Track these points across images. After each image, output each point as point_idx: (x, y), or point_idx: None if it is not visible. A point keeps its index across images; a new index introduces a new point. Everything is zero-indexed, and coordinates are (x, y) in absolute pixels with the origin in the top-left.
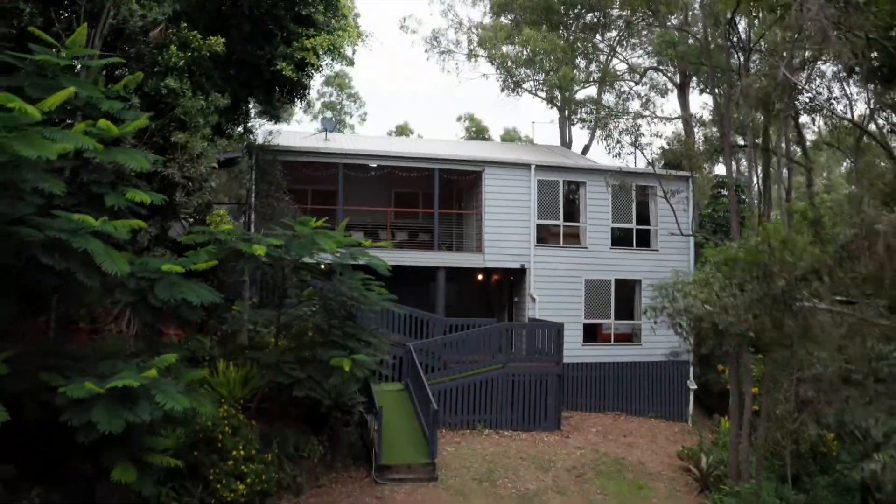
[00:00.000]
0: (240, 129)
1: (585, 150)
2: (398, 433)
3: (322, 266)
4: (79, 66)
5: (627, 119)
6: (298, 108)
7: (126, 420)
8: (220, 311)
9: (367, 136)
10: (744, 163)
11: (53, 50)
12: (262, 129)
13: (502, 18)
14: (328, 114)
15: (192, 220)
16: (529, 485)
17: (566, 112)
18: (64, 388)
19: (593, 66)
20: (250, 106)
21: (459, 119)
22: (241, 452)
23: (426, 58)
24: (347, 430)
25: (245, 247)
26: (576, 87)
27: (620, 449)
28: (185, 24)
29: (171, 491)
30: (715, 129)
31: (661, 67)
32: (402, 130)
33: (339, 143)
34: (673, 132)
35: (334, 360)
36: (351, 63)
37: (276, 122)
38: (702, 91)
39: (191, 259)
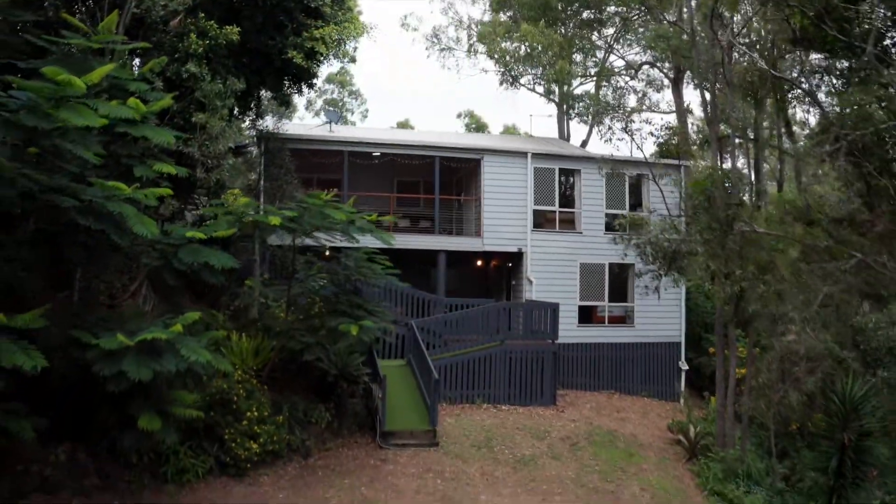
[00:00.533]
0: (251, 114)
1: (584, 144)
2: (401, 403)
3: (327, 252)
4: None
5: (623, 113)
6: (302, 103)
7: (153, 370)
8: (233, 286)
9: (371, 127)
10: (741, 159)
11: (83, 36)
12: (271, 118)
13: (501, 15)
14: (331, 109)
15: (208, 197)
16: (525, 451)
17: (564, 107)
18: (97, 341)
19: (590, 62)
20: (262, 93)
21: (459, 116)
22: (255, 414)
23: (427, 55)
24: (353, 401)
25: (261, 217)
26: (573, 81)
27: (613, 423)
28: (203, 15)
29: (189, 449)
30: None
31: (657, 64)
32: (403, 127)
33: (344, 133)
34: (664, 121)
35: (342, 325)
36: (353, 60)
37: (286, 108)
38: (696, 87)
39: (211, 227)
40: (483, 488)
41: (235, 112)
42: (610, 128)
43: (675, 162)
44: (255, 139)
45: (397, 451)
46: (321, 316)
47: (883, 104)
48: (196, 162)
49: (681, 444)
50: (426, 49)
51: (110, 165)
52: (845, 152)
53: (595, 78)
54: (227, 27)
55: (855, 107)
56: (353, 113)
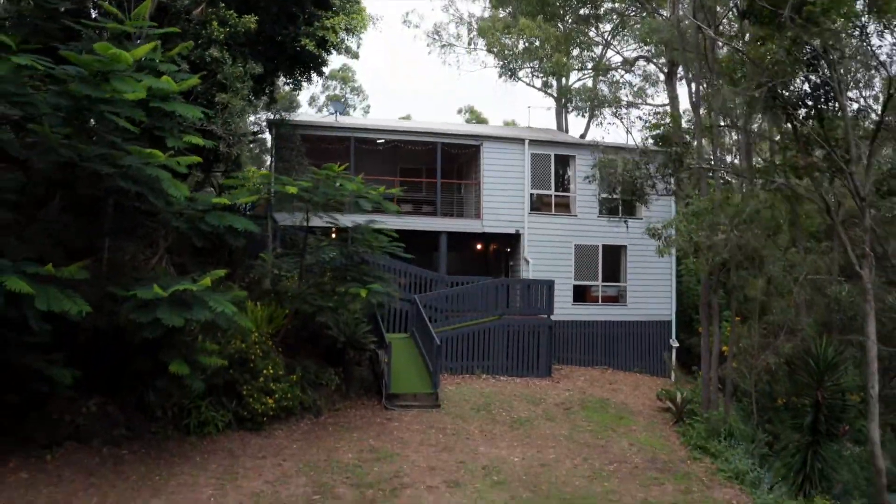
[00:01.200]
0: (266, 99)
1: (582, 137)
2: (405, 370)
3: (334, 235)
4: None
5: (616, 103)
6: (305, 99)
7: (184, 318)
8: (247, 262)
9: (376, 118)
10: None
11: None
12: (282, 103)
13: (500, 11)
14: (336, 101)
15: (226, 172)
16: (522, 413)
17: (562, 101)
18: (134, 292)
19: (586, 55)
20: (276, 79)
21: (460, 111)
22: (270, 372)
23: (428, 52)
24: (360, 369)
25: (279, 186)
26: (572, 76)
27: (606, 392)
28: (223, 5)
29: (209, 405)
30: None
31: (653, 60)
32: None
33: (350, 121)
34: (658, 111)
35: (352, 289)
36: (356, 56)
37: (298, 92)
38: (681, 78)
39: (234, 195)
40: (482, 441)
41: (251, 97)
42: (602, 113)
43: (668, 150)
44: (267, 125)
45: (402, 412)
46: (332, 282)
47: (790, 53)
48: (218, 139)
49: (669, 410)
50: (427, 46)
51: (143, 137)
52: (770, 97)
53: (592, 73)
54: (246, 16)
55: (769, 56)
56: (354, 109)
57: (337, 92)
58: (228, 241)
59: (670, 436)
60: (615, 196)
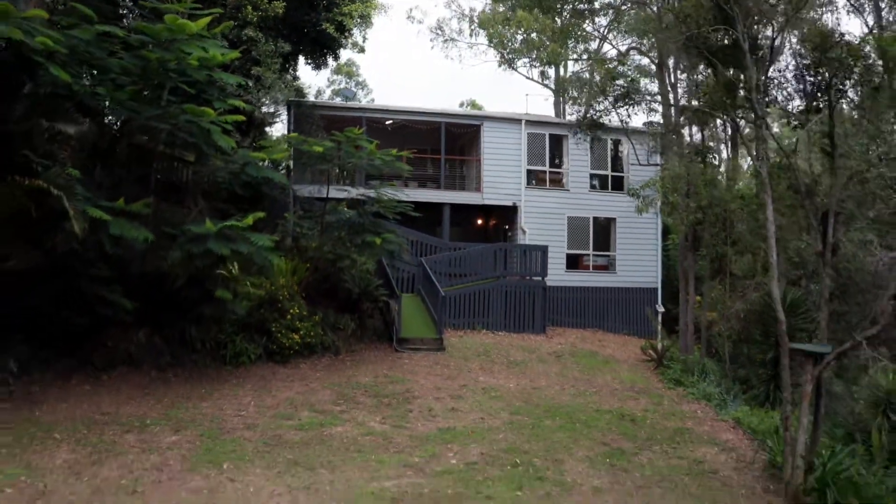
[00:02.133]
0: (290, 76)
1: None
2: (413, 320)
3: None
4: None
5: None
6: (312, 93)
7: (230, 249)
8: (269, 227)
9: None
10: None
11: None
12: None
13: (500, 6)
14: (346, 87)
15: (254, 138)
16: (517, 358)
17: (559, 91)
18: (188, 226)
19: (581, 48)
20: (297, 59)
21: (462, 105)
22: (296, 311)
23: (431, 46)
24: (372, 320)
25: (307, 147)
26: (568, 66)
27: (595, 347)
28: None
29: (242, 340)
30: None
31: (649, 54)
32: None
33: (362, 103)
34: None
35: (368, 238)
36: (362, 50)
37: (318, 71)
38: (682, 72)
39: (269, 151)
40: (481, 374)
41: (280, 72)
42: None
43: (655, 131)
44: (287, 105)
45: (411, 353)
46: (350, 235)
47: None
48: (253, 107)
49: (651, 359)
50: (431, 41)
51: (193, 100)
52: (687, 45)
53: (588, 64)
54: (275, 2)
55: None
56: (360, 102)
57: (342, 86)
58: (265, 190)
59: (650, 376)
60: (589, 115)
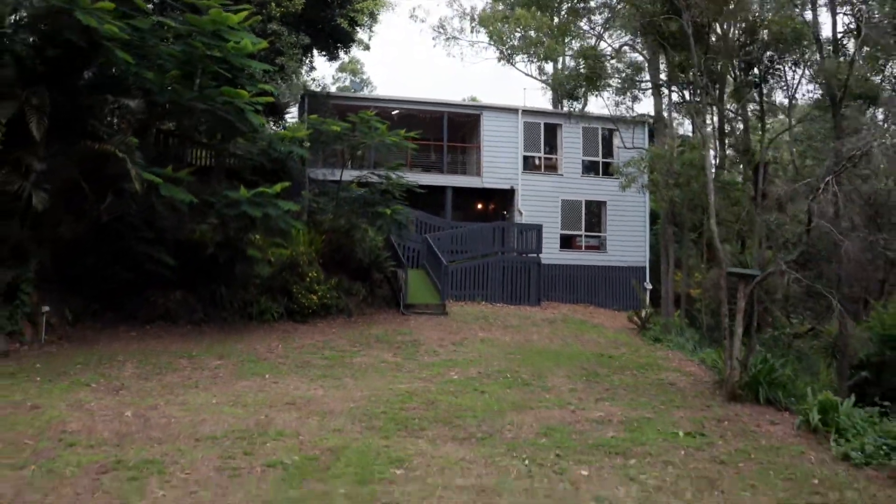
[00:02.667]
0: (307, 67)
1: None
2: (418, 289)
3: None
4: None
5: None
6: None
7: (262, 212)
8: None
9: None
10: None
11: None
12: (311, 77)
13: (500, 4)
14: (355, 80)
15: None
16: (513, 322)
17: (555, 88)
18: (227, 193)
19: (576, 44)
20: (313, 53)
21: (464, 101)
22: (314, 275)
23: (434, 44)
24: (381, 289)
25: (326, 127)
26: (563, 58)
27: (585, 317)
28: None
29: (267, 300)
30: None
31: (643, 51)
32: None
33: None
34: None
35: (379, 209)
36: (367, 48)
37: (332, 62)
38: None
39: (292, 131)
40: (479, 331)
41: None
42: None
43: (643, 120)
44: (300, 96)
45: (416, 316)
46: (363, 207)
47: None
48: (278, 94)
49: (636, 325)
50: (433, 39)
51: (226, 83)
52: (644, 32)
53: (584, 60)
54: (296, 0)
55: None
56: (368, 93)
57: (346, 83)
58: (289, 164)
59: (634, 337)
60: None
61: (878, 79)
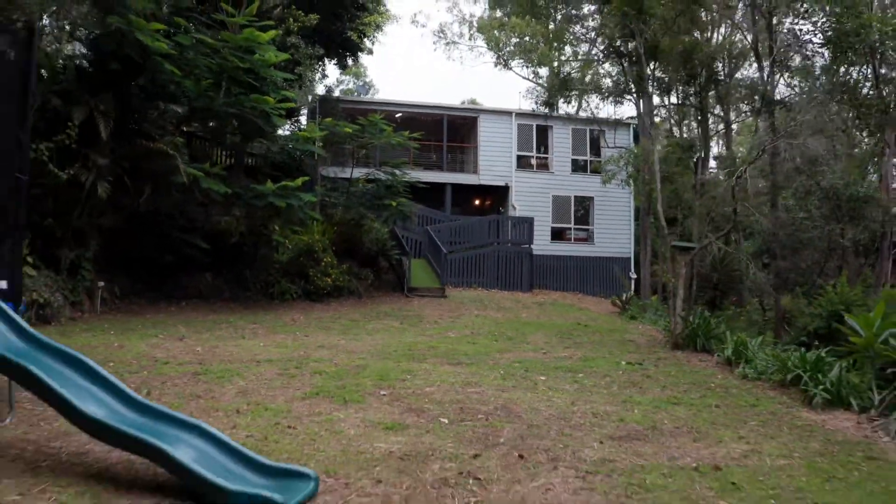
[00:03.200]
0: (319, 74)
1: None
2: (420, 275)
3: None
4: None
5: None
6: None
7: (286, 202)
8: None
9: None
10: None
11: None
12: (322, 84)
13: (497, 12)
14: (360, 84)
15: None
16: (506, 305)
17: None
18: (255, 186)
19: (569, 50)
20: (325, 62)
21: (462, 102)
22: (328, 260)
23: (434, 48)
24: (387, 276)
25: (339, 129)
26: (555, 64)
27: (573, 302)
28: (293, 6)
29: (286, 282)
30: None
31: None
32: None
33: (376, 97)
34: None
35: (386, 202)
36: (370, 52)
37: (343, 71)
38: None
39: (307, 132)
40: (475, 310)
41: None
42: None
43: (629, 122)
44: (311, 100)
45: (419, 298)
46: (372, 200)
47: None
48: (296, 97)
49: (617, 307)
50: (433, 43)
51: (251, 91)
52: (607, 51)
53: (577, 65)
54: (311, 14)
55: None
56: (374, 98)
57: (350, 86)
58: (305, 161)
59: (614, 317)
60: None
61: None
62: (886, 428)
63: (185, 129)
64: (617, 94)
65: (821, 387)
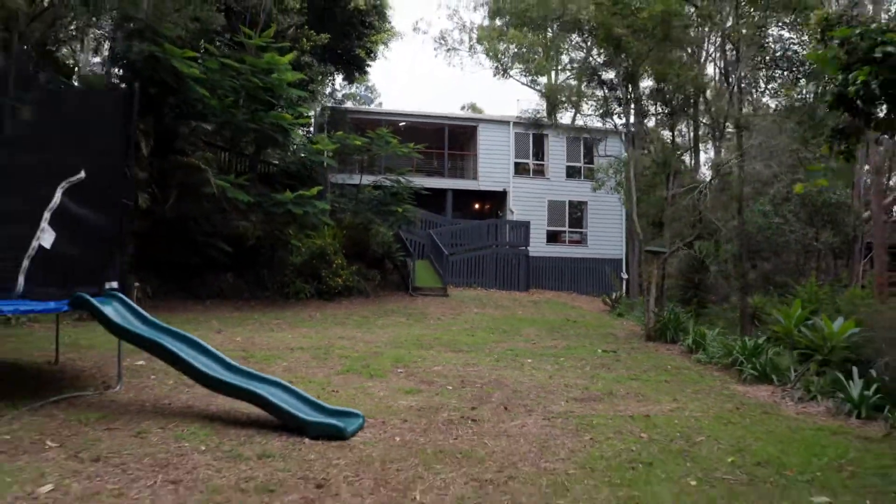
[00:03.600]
0: (329, 88)
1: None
2: (423, 276)
3: (371, 189)
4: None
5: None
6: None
7: (303, 210)
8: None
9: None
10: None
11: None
12: (331, 96)
13: (497, 22)
14: (364, 94)
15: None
16: (503, 303)
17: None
18: (275, 195)
19: (566, 59)
20: (334, 76)
21: (463, 108)
22: (339, 262)
23: (435, 55)
24: (393, 276)
25: (350, 141)
26: (553, 74)
27: (566, 300)
28: (306, 27)
29: (300, 282)
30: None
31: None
32: None
33: (380, 108)
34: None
35: (392, 208)
36: (374, 58)
37: (351, 84)
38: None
39: (321, 145)
40: (475, 308)
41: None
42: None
43: (621, 130)
44: (321, 111)
45: (422, 297)
46: (378, 206)
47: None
48: (309, 111)
49: (608, 305)
50: (434, 49)
51: (269, 107)
52: (590, 79)
53: (573, 73)
54: (322, 34)
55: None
56: (369, 105)
57: (353, 90)
58: (317, 170)
59: (603, 315)
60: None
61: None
62: (792, 395)
63: (209, 142)
64: (602, 114)
65: (750, 366)
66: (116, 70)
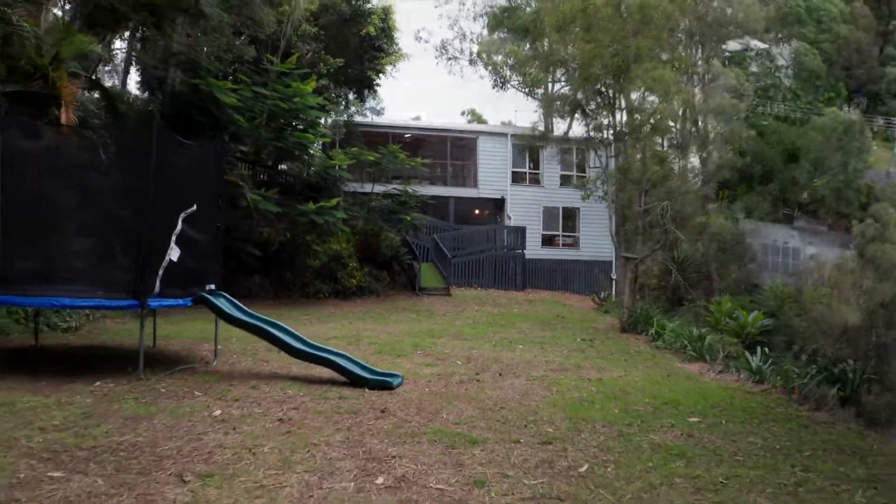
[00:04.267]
0: (342, 105)
1: (564, 134)
2: (429, 277)
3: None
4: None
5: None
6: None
7: (324, 219)
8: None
9: (403, 118)
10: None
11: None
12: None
13: (496, 34)
14: (372, 106)
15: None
16: (501, 301)
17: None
18: (299, 206)
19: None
20: (347, 97)
21: (463, 114)
22: (353, 265)
23: (436, 63)
24: (400, 277)
25: (364, 156)
26: (550, 85)
27: (560, 300)
28: (323, 52)
29: (319, 283)
30: None
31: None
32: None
33: (387, 121)
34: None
35: (401, 216)
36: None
37: (363, 102)
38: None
39: (336, 159)
40: (475, 306)
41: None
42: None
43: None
44: (334, 125)
45: (428, 297)
46: (388, 214)
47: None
48: (326, 131)
49: (596, 304)
50: (435, 58)
51: (292, 128)
52: (576, 107)
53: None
54: (337, 59)
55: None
56: (387, 121)
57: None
58: (332, 181)
59: (591, 312)
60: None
61: None
62: (713, 368)
63: (241, 158)
64: (585, 140)
65: (691, 349)
66: (143, 93)
